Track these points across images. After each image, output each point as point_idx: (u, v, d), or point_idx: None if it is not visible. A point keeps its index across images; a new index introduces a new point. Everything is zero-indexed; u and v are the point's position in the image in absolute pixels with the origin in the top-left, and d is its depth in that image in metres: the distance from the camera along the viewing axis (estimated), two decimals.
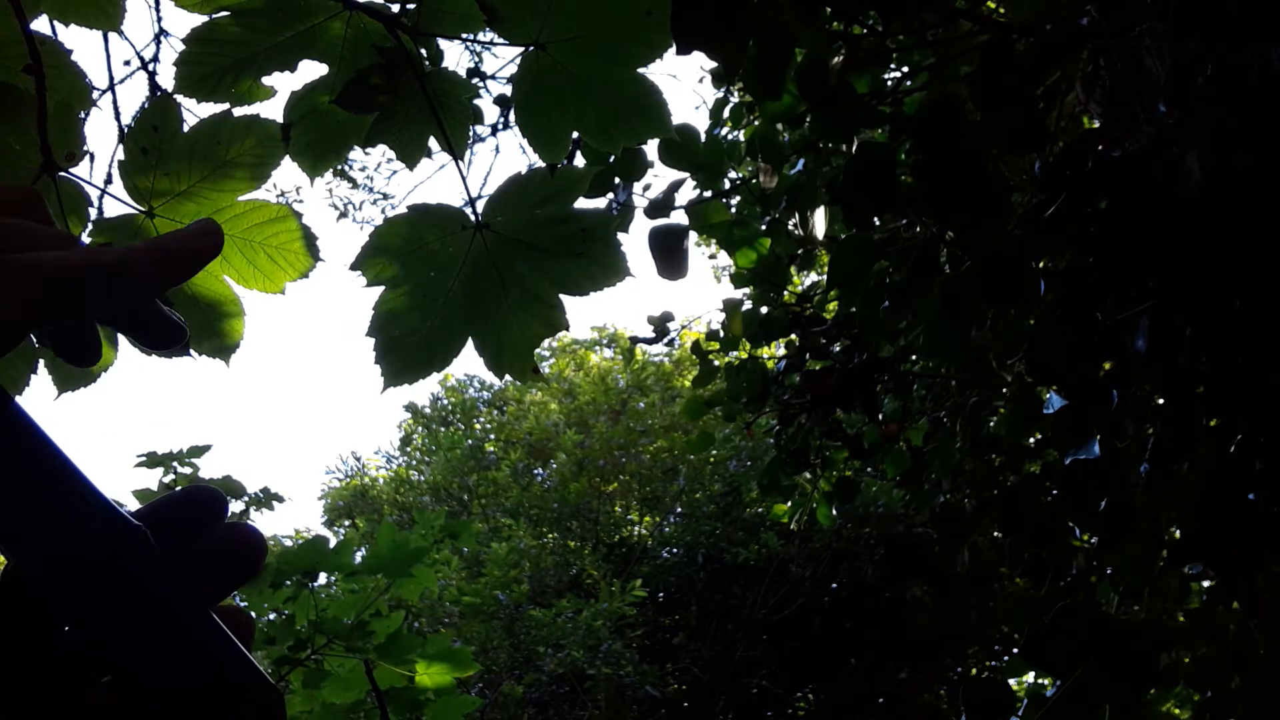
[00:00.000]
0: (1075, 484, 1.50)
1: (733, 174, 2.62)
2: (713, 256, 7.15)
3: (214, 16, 0.98)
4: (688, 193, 2.82)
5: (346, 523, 11.04)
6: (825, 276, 3.09)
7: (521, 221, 0.99)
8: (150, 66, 1.98)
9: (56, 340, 0.35)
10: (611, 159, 2.23)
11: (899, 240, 1.98)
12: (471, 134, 1.23)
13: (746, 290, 3.02)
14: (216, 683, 0.31)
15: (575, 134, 1.04)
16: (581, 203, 1.01)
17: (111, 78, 1.82)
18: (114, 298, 0.31)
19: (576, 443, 9.66)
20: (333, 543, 2.16)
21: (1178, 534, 1.59)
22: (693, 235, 2.59)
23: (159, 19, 2.05)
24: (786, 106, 2.06)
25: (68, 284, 0.29)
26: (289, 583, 2.12)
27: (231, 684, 0.31)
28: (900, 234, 2.04)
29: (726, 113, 2.74)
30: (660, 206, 2.47)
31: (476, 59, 4.17)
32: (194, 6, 0.98)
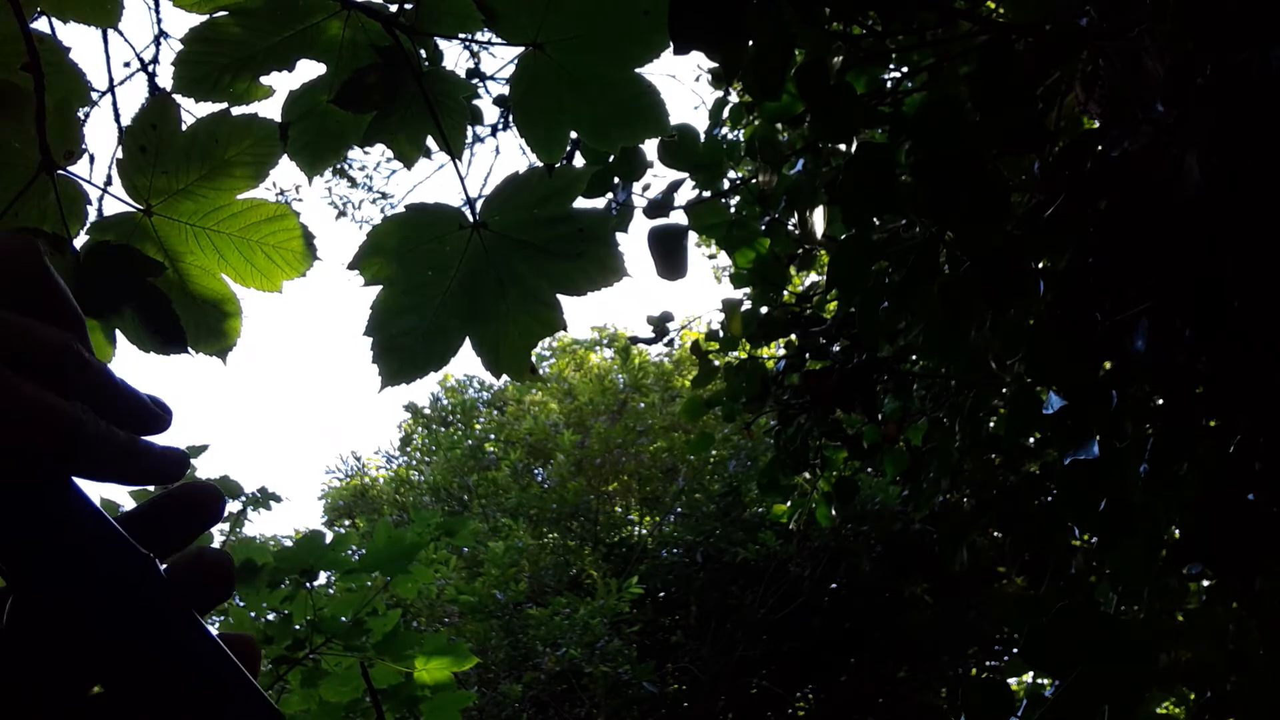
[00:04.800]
0: (1075, 484, 1.50)
1: (732, 174, 2.62)
2: (712, 256, 7.15)
3: (213, 16, 0.98)
4: (687, 193, 2.82)
5: (346, 522, 11.04)
6: (825, 276, 3.09)
7: (519, 221, 0.99)
8: (150, 68, 1.98)
9: None
10: (610, 159, 2.23)
11: (899, 240, 1.97)
12: (470, 134, 1.22)
13: (746, 290, 3.02)
14: (218, 706, 0.31)
15: (574, 134, 1.04)
16: (580, 203, 1.00)
17: (111, 78, 1.82)
18: (68, 469, 0.31)
19: (575, 443, 9.66)
20: (329, 539, 2.16)
21: (1178, 534, 1.59)
22: (692, 235, 2.59)
23: (158, 19, 2.05)
24: (786, 106, 2.05)
25: (28, 438, 0.29)
26: (286, 582, 2.12)
27: (234, 708, 0.32)
28: (900, 234, 2.04)
29: (726, 113, 2.74)
30: (659, 206, 2.47)
31: (475, 59, 4.17)
32: (192, 6, 0.98)
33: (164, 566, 0.33)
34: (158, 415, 0.36)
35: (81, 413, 0.31)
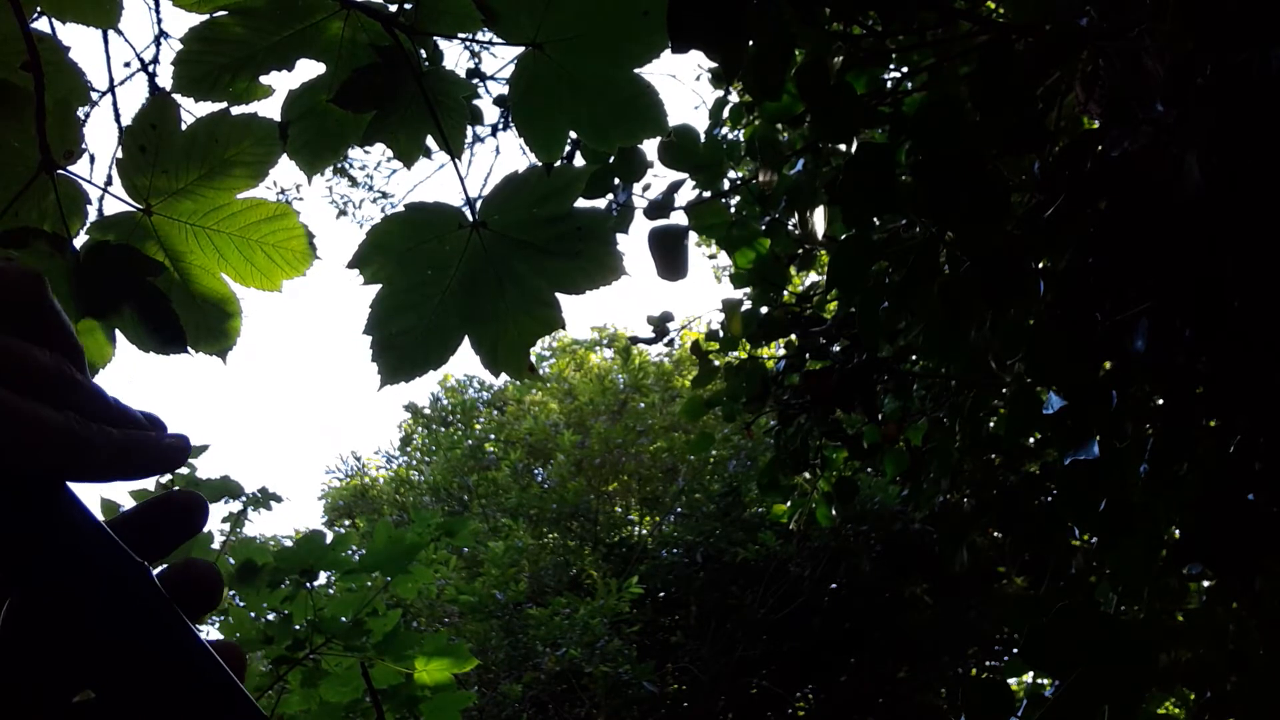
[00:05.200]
0: (1075, 484, 1.50)
1: (732, 174, 2.62)
2: (713, 256, 7.15)
3: (213, 15, 0.98)
4: (687, 193, 2.82)
5: (347, 522, 11.04)
6: (825, 276, 3.09)
7: (518, 220, 0.99)
8: (150, 68, 1.98)
9: None
10: (610, 159, 2.23)
11: (899, 240, 1.97)
12: (471, 134, 1.23)
13: (746, 290, 3.02)
14: (211, 712, 0.32)
15: (574, 134, 1.04)
16: (580, 203, 1.00)
17: (111, 79, 1.82)
18: (68, 474, 0.33)
19: (575, 443, 9.66)
20: (329, 538, 2.16)
21: (1178, 534, 1.59)
22: (692, 235, 2.59)
23: (159, 20, 2.05)
24: (786, 106, 2.05)
25: (25, 450, 0.31)
26: (287, 582, 2.12)
27: (227, 713, 0.32)
28: (900, 234, 2.04)
29: (726, 113, 2.74)
30: (660, 207, 2.47)
31: (476, 59, 4.17)
32: (193, 6, 0.98)
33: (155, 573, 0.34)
34: (149, 430, 0.37)
35: (73, 421, 0.32)
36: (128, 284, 0.96)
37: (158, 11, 2.08)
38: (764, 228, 2.64)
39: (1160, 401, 1.59)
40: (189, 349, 1.00)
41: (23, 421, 0.30)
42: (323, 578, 2.26)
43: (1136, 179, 1.34)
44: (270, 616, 2.27)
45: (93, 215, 1.00)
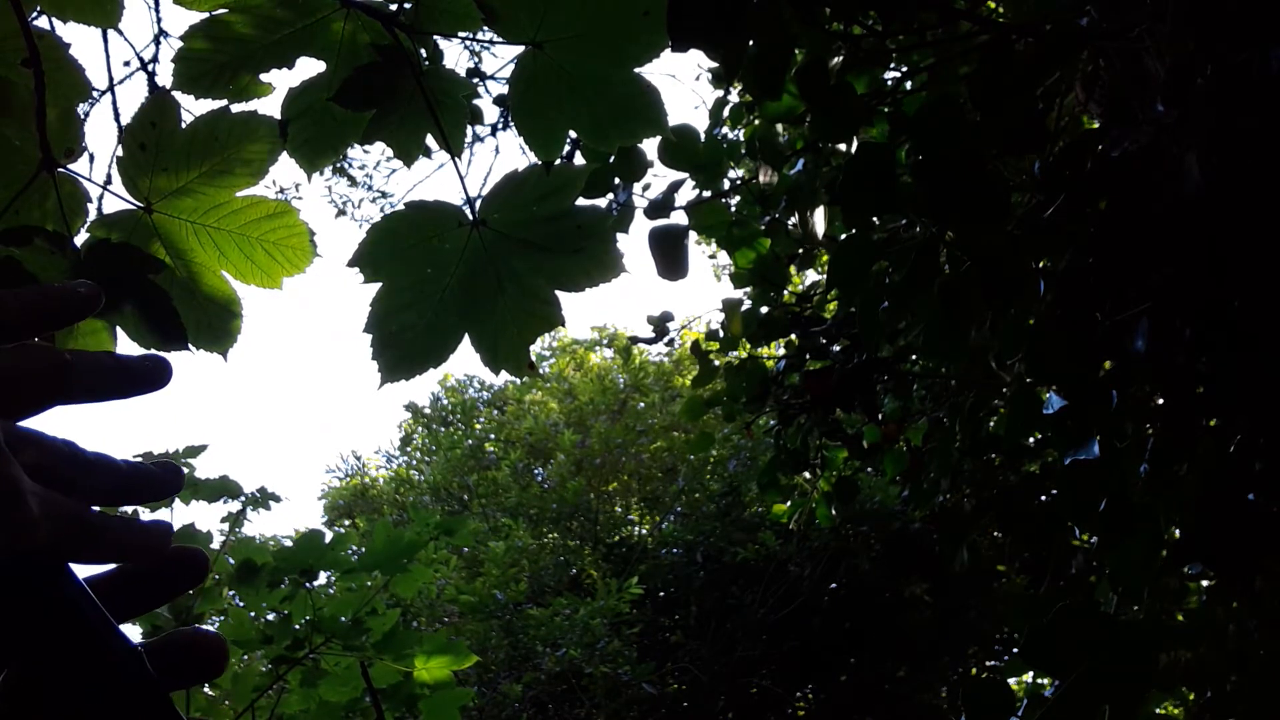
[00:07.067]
0: (1075, 484, 1.50)
1: (732, 174, 2.62)
2: (713, 256, 7.14)
3: (214, 13, 0.98)
4: (687, 193, 2.82)
5: (347, 522, 11.03)
6: (825, 276, 3.09)
7: (518, 219, 0.99)
8: (150, 67, 1.98)
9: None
10: (610, 158, 2.23)
11: (899, 240, 1.97)
12: (470, 133, 1.23)
13: (746, 290, 3.02)
14: None
15: (574, 133, 1.04)
16: (580, 202, 1.01)
17: (111, 78, 1.82)
18: (74, 559, 0.35)
19: (575, 443, 9.66)
20: (329, 538, 2.16)
21: (1178, 534, 1.59)
22: (692, 235, 2.59)
23: (159, 19, 2.05)
24: (786, 106, 2.05)
25: (39, 531, 0.33)
26: (286, 582, 2.12)
27: None
28: (900, 234, 2.04)
29: (726, 113, 2.74)
30: (660, 207, 2.47)
31: (476, 59, 4.17)
32: (193, 4, 0.98)
33: (162, 638, 0.37)
34: (166, 481, 0.40)
35: (83, 510, 0.35)
36: (128, 281, 0.96)
37: (158, 11, 2.08)
38: (764, 228, 2.64)
39: (1160, 401, 1.59)
40: (190, 346, 1.00)
41: (40, 507, 0.33)
42: (322, 577, 2.26)
43: (1136, 179, 1.34)
44: (270, 616, 2.27)
45: (93, 214, 1.00)
